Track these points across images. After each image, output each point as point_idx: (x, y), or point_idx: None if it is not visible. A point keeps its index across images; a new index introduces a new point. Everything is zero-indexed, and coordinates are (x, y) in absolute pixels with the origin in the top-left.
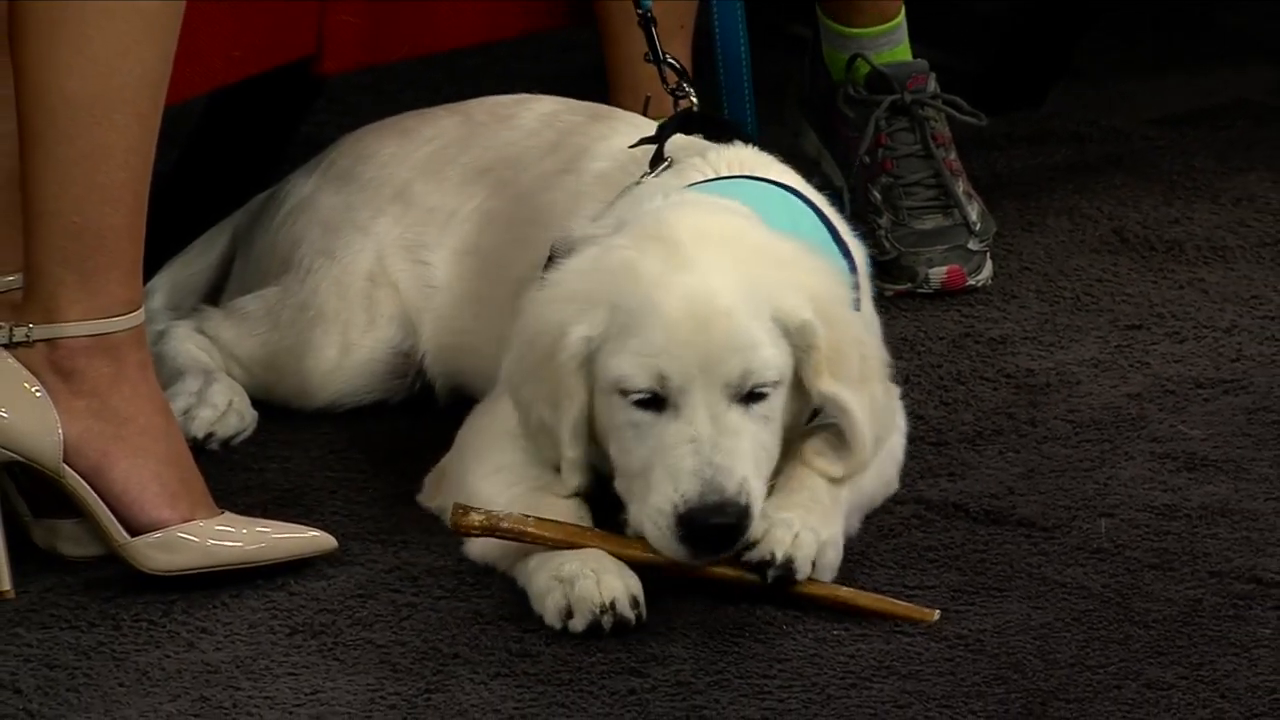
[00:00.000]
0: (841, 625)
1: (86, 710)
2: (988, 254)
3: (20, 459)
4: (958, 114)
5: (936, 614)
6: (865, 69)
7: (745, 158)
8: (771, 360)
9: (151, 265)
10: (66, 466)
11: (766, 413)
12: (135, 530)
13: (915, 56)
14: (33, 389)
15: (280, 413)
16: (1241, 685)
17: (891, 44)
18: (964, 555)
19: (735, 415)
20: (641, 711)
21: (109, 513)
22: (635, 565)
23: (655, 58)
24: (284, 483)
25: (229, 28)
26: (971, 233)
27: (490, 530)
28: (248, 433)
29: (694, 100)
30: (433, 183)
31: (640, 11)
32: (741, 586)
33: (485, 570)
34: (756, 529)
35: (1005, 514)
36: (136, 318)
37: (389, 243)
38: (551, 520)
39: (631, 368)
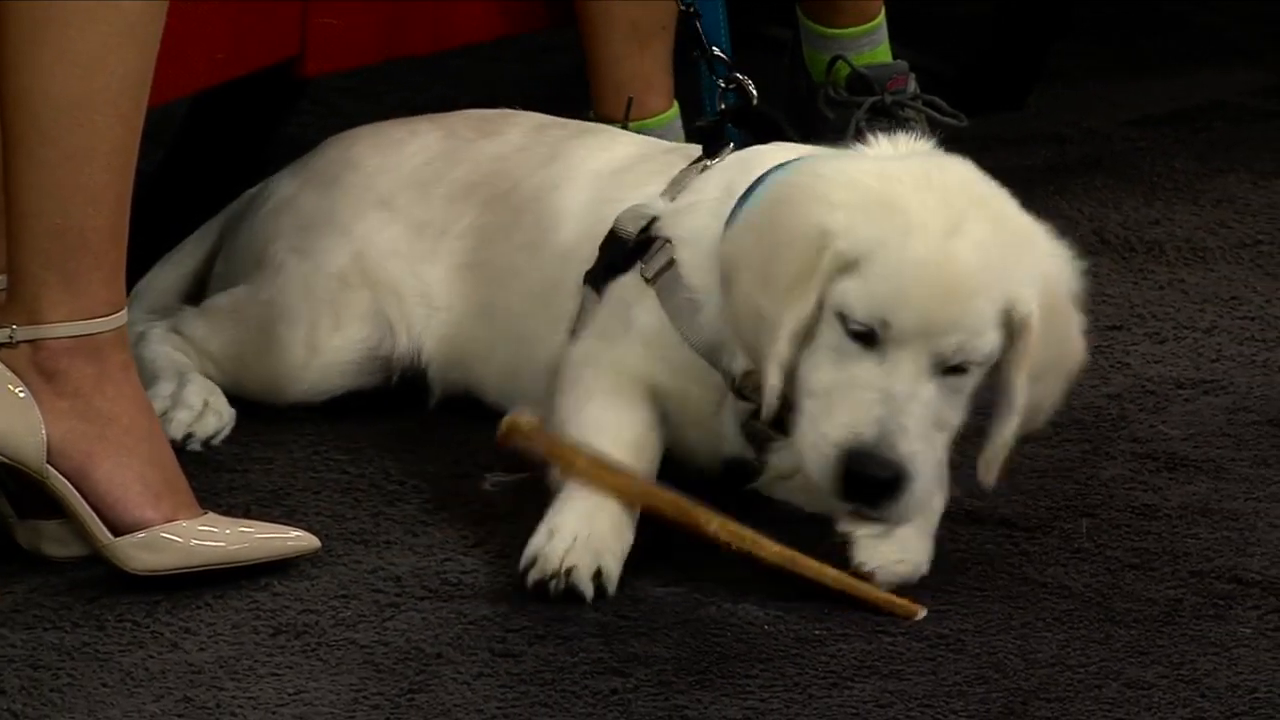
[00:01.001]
0: (823, 625)
1: (70, 711)
2: None
3: (3, 460)
4: (938, 115)
5: (923, 611)
6: (846, 70)
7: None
8: (988, 344)
9: (134, 266)
10: (50, 467)
11: (961, 386)
12: (119, 531)
13: (895, 58)
14: (16, 390)
15: (263, 414)
16: (1222, 684)
17: (872, 45)
18: (945, 555)
19: (933, 386)
20: (624, 711)
21: (92, 513)
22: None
23: (701, 52)
24: (267, 483)
25: (212, 30)
26: None
27: (537, 446)
28: (227, 430)
29: (753, 91)
30: (419, 197)
31: (684, 7)
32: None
33: (468, 570)
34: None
35: (986, 514)
36: (119, 318)
37: (372, 245)
38: (610, 467)
39: (860, 302)
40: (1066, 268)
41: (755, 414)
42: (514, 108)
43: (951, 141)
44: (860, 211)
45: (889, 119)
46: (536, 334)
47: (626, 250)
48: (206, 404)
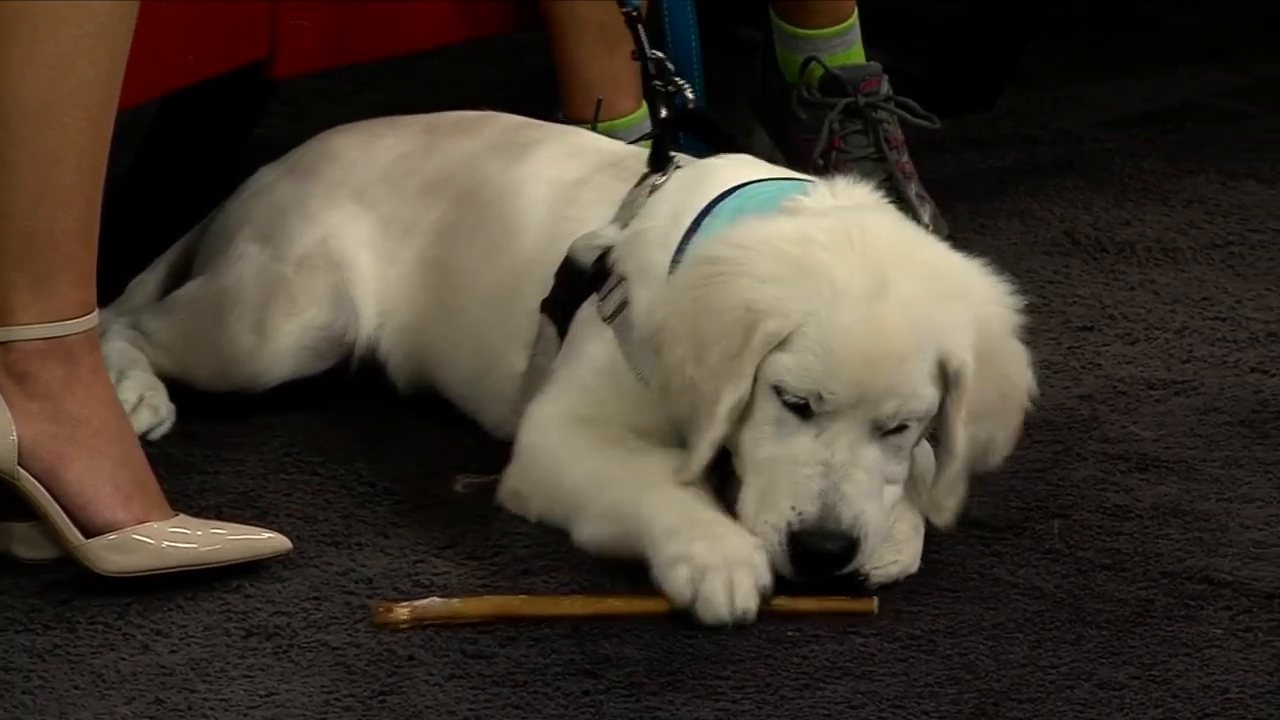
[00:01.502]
0: (794, 626)
1: (42, 713)
2: None
3: None
4: (911, 117)
5: (875, 603)
6: (819, 72)
7: (760, 162)
8: (925, 402)
9: (105, 268)
10: (21, 469)
11: (902, 444)
12: (90, 532)
13: (867, 59)
14: None
15: (233, 415)
16: (1193, 685)
17: (845, 46)
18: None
19: (873, 450)
20: (595, 712)
21: (63, 515)
22: (612, 617)
23: (642, 55)
24: (238, 485)
25: (182, 32)
26: None
27: (420, 621)
28: (165, 427)
29: (690, 95)
30: (393, 191)
31: (626, 11)
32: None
33: (440, 572)
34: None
35: (958, 515)
36: (89, 321)
37: (342, 233)
38: (481, 598)
39: (794, 376)
40: (1002, 304)
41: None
42: (486, 109)
43: (923, 143)
44: (786, 284)
45: (862, 120)
46: (495, 346)
47: (583, 282)
48: (142, 399)
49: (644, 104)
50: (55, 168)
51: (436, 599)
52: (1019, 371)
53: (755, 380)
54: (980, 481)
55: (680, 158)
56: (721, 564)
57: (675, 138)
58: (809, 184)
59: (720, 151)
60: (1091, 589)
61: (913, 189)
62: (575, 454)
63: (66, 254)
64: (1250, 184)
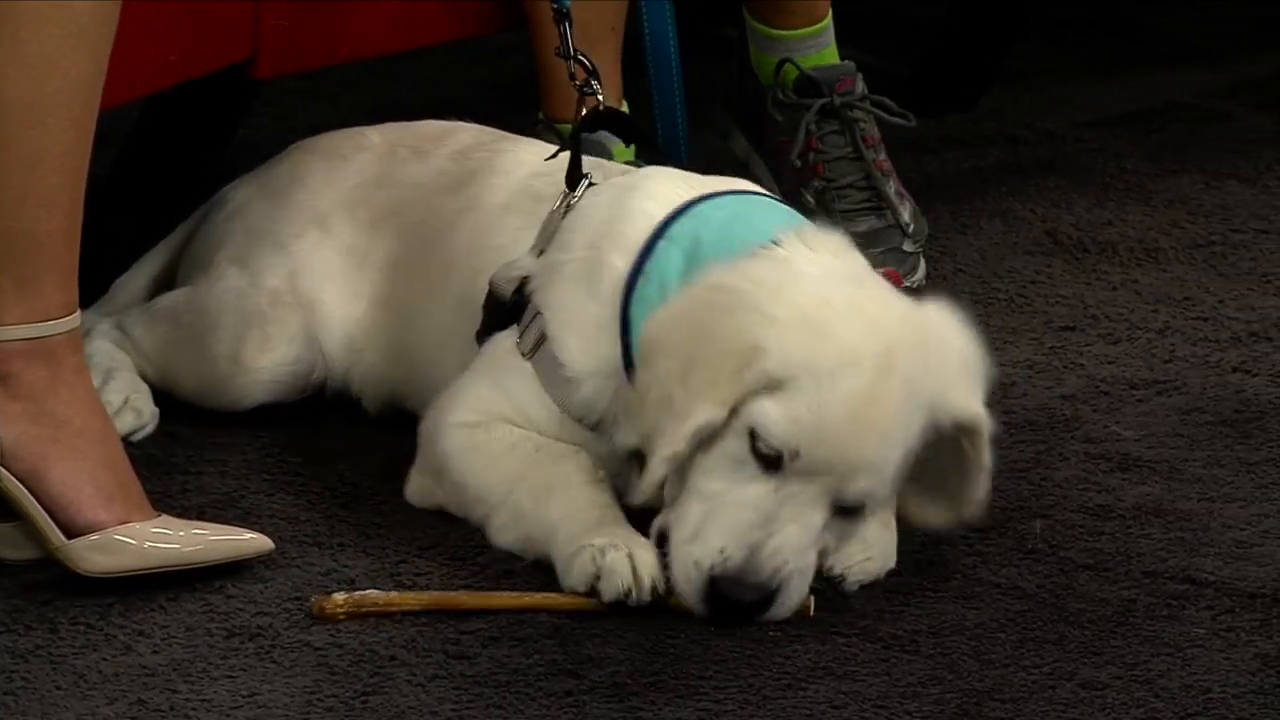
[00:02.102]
0: (777, 627)
1: (24, 714)
2: (921, 255)
3: None
4: (887, 115)
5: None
6: (794, 73)
7: (675, 174)
8: (885, 488)
9: (88, 269)
10: (3, 470)
11: (848, 530)
12: (72, 533)
13: (846, 60)
14: None
15: (217, 417)
16: (1175, 685)
17: (819, 46)
18: (899, 556)
19: (820, 514)
20: (578, 713)
21: (46, 515)
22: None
23: (566, 53)
24: (220, 486)
25: (165, 32)
26: (905, 234)
27: (357, 611)
28: (148, 429)
29: (600, 98)
30: (349, 219)
31: (556, 6)
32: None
33: (422, 573)
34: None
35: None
36: (72, 321)
37: (306, 266)
38: (419, 592)
39: (778, 426)
40: (979, 366)
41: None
42: (470, 109)
43: (905, 143)
44: (796, 333)
45: (838, 120)
46: (450, 382)
47: (503, 313)
48: (126, 401)
49: (624, 103)
50: (38, 168)
51: (374, 590)
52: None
53: (731, 414)
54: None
55: (594, 172)
56: (623, 544)
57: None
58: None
59: (640, 148)
60: (1074, 589)
61: (891, 187)
62: (486, 462)
63: (50, 255)
64: (1233, 184)
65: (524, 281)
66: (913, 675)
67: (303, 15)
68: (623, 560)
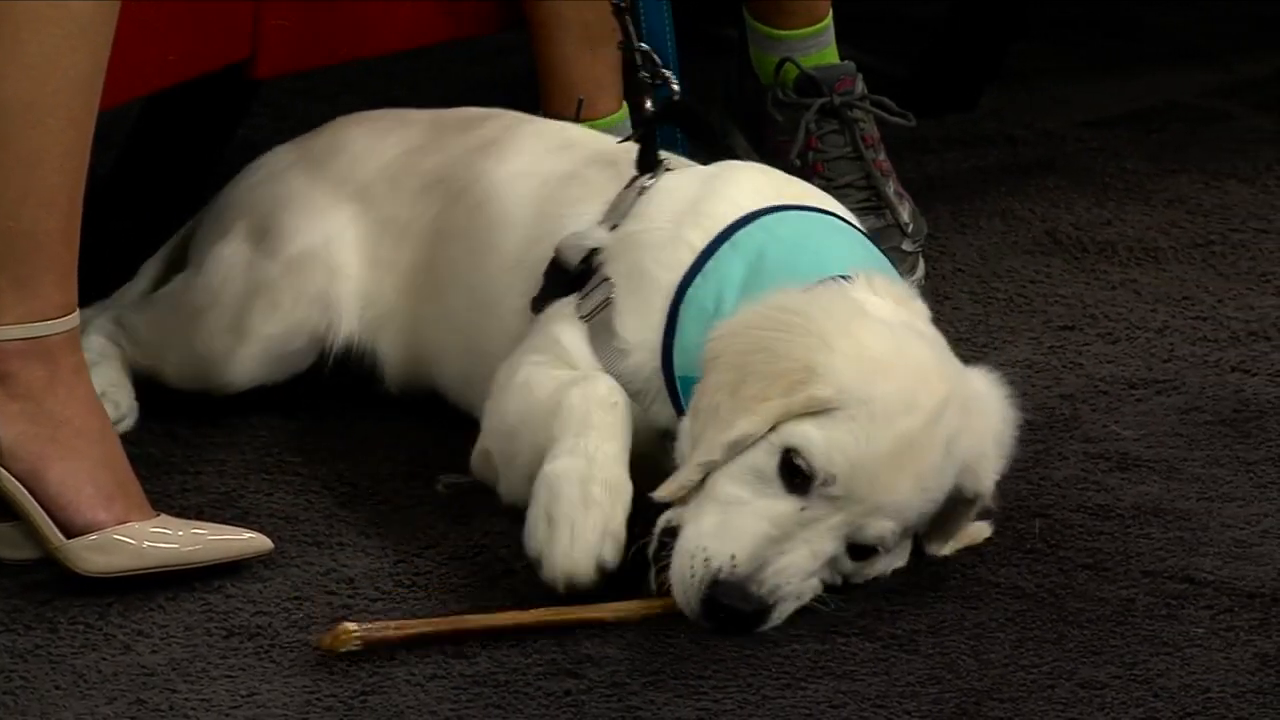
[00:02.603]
0: (775, 626)
1: (23, 714)
2: (920, 254)
3: None
4: (887, 115)
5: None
6: (794, 72)
7: (755, 172)
8: (903, 532)
9: (86, 269)
10: (2, 469)
11: (855, 570)
12: (71, 533)
13: (846, 59)
14: None
15: (215, 415)
16: (1174, 684)
17: (819, 46)
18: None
19: (832, 547)
20: (577, 712)
21: (45, 515)
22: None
23: (629, 46)
24: (219, 485)
25: (164, 32)
26: (904, 234)
27: (372, 639)
28: (126, 423)
29: (676, 89)
30: (392, 190)
31: (615, 3)
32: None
33: (421, 572)
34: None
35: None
36: (71, 321)
37: (343, 237)
38: (425, 618)
39: (820, 450)
40: (1009, 420)
41: None
42: (469, 109)
43: (905, 143)
44: (854, 365)
45: (838, 120)
46: (486, 349)
47: (567, 281)
48: (103, 394)
49: (624, 105)
50: (38, 168)
51: (382, 620)
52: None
53: (769, 431)
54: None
55: (669, 159)
56: (570, 525)
57: (660, 133)
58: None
59: (705, 146)
60: (1073, 588)
61: (890, 187)
62: (532, 392)
63: (49, 255)
64: (1232, 183)
65: (593, 253)
66: (912, 674)
67: (302, 15)
68: (563, 541)
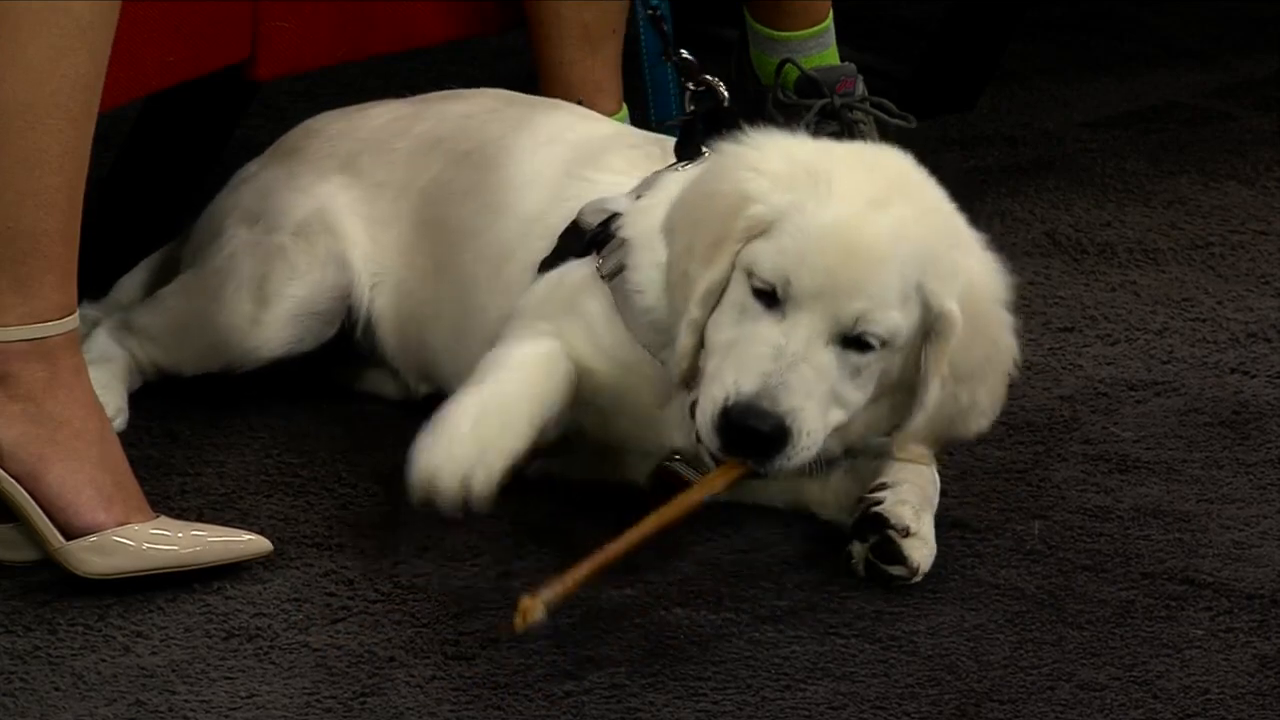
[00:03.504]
0: (775, 628)
1: (23, 715)
2: None
3: None
4: (887, 117)
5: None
6: (795, 73)
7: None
8: (889, 322)
9: (86, 270)
10: (2, 471)
11: (861, 365)
12: (71, 534)
13: (846, 60)
14: None
15: (215, 416)
16: (1174, 686)
17: (820, 48)
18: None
19: (829, 354)
20: (577, 714)
21: (44, 517)
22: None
23: (669, 54)
24: (219, 487)
25: (163, 33)
26: None
27: (553, 601)
28: (116, 424)
29: (725, 94)
30: (382, 156)
31: (650, 10)
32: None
33: (420, 573)
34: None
35: (939, 516)
36: (70, 322)
37: (335, 203)
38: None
39: (767, 260)
40: (995, 275)
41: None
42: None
43: (903, 142)
44: (785, 179)
45: (838, 121)
46: (485, 304)
47: (584, 242)
48: None
49: (624, 106)
50: (37, 169)
51: (554, 580)
52: (1005, 337)
53: (733, 269)
54: (960, 481)
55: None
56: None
57: (705, 132)
58: None
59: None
60: (1072, 590)
61: None
62: (513, 343)
63: (48, 256)
64: (1231, 185)
65: (613, 218)
66: (911, 676)
67: (301, 17)
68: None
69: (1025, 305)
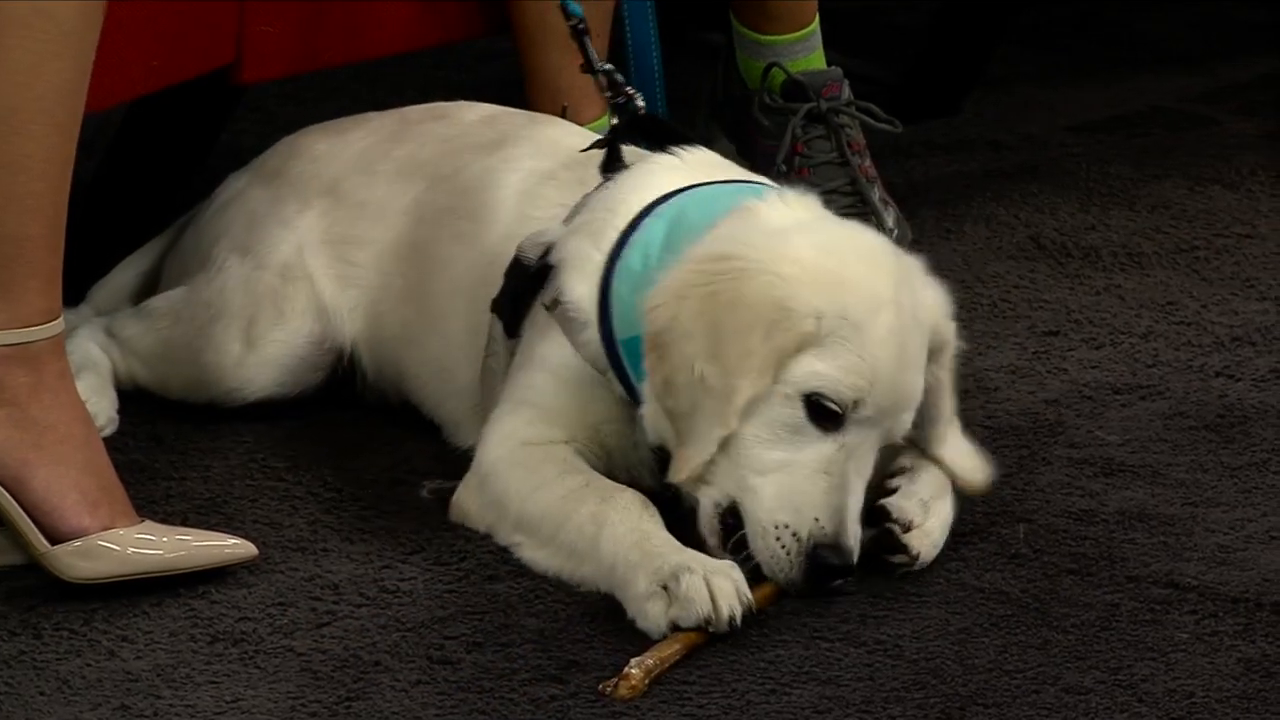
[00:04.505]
0: (760, 631)
1: (8, 719)
2: None
3: None
4: (873, 121)
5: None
6: (781, 77)
7: (711, 160)
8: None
9: (71, 275)
10: None
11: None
12: (56, 539)
13: (832, 64)
14: None
15: (200, 420)
16: (1159, 689)
17: (806, 51)
18: (883, 561)
19: (872, 463)
20: (562, 718)
21: (29, 521)
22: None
23: (591, 68)
24: (205, 491)
25: (148, 37)
26: (889, 239)
27: (656, 674)
28: (106, 431)
29: (641, 103)
30: (364, 177)
31: (572, 23)
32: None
33: (405, 578)
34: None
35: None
36: (55, 327)
37: (312, 237)
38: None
39: (837, 383)
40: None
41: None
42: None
43: (888, 146)
44: (812, 284)
45: (824, 125)
46: (459, 338)
47: (527, 277)
48: (85, 401)
49: (609, 110)
50: (22, 174)
51: (652, 653)
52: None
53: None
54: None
55: (632, 159)
56: (697, 568)
57: (629, 143)
58: (756, 187)
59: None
60: (1057, 593)
61: (876, 193)
62: (534, 484)
63: (33, 261)
64: (1216, 189)
65: (549, 248)
66: (896, 680)
67: (287, 20)
68: (699, 586)
69: (1010, 309)
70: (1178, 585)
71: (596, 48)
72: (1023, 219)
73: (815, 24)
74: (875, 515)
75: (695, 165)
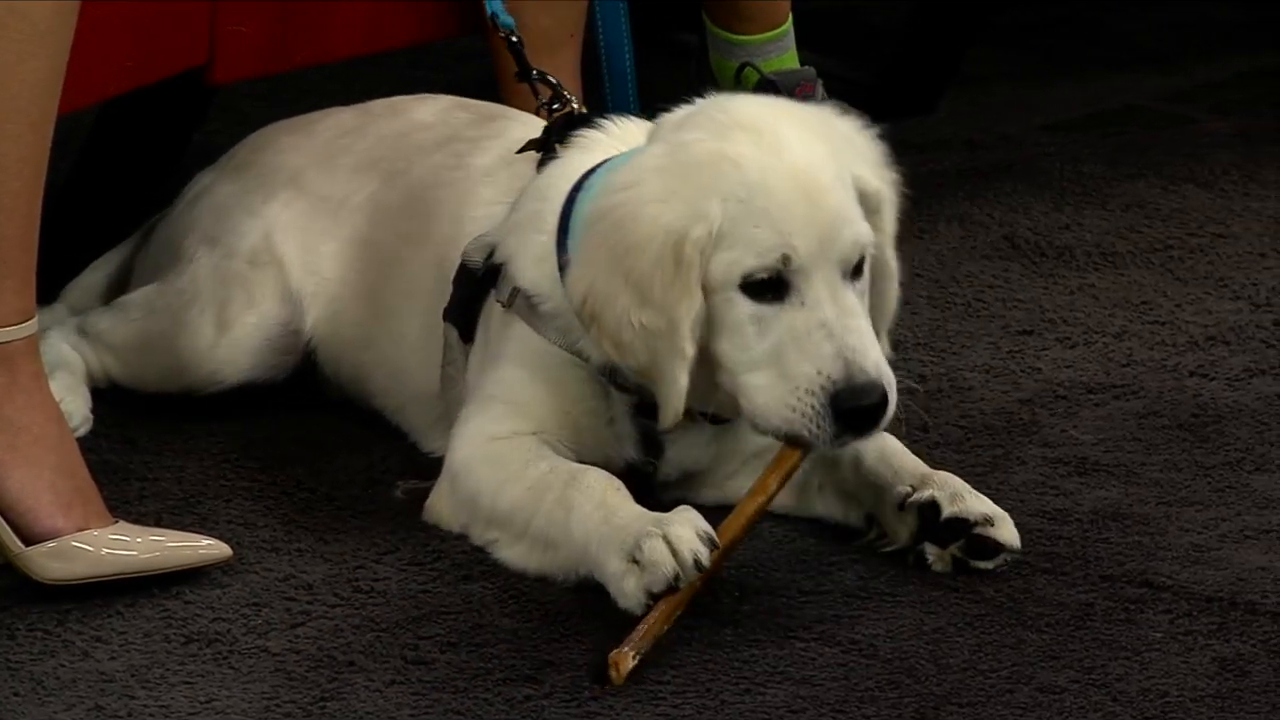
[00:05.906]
0: (735, 631)
1: None
2: None
3: None
4: None
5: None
6: (754, 77)
7: (639, 128)
8: (867, 229)
9: (44, 275)
10: None
11: (864, 287)
12: (30, 540)
13: (806, 64)
14: None
15: (174, 421)
16: (1133, 688)
17: (779, 51)
18: (857, 560)
19: (850, 294)
20: (537, 717)
21: (3, 522)
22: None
23: (525, 76)
24: (178, 491)
25: (121, 38)
26: None
27: (642, 648)
28: (79, 432)
29: (575, 105)
30: (325, 171)
31: (502, 35)
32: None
33: (380, 578)
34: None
35: None
36: (30, 327)
37: (278, 224)
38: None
39: (755, 256)
40: (878, 145)
41: (640, 408)
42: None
43: None
44: (687, 190)
45: None
46: (413, 341)
47: (477, 281)
48: (60, 401)
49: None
50: None
51: (641, 629)
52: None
53: (705, 294)
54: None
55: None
56: (654, 528)
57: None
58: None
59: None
60: (1031, 593)
61: None
62: (502, 479)
63: (7, 261)
64: (1189, 188)
65: (494, 249)
66: (870, 679)
67: (260, 20)
68: (659, 548)
69: (984, 308)
70: (1152, 584)
71: (570, 51)
72: (997, 218)
73: (789, 24)
74: (954, 528)
75: (621, 137)
